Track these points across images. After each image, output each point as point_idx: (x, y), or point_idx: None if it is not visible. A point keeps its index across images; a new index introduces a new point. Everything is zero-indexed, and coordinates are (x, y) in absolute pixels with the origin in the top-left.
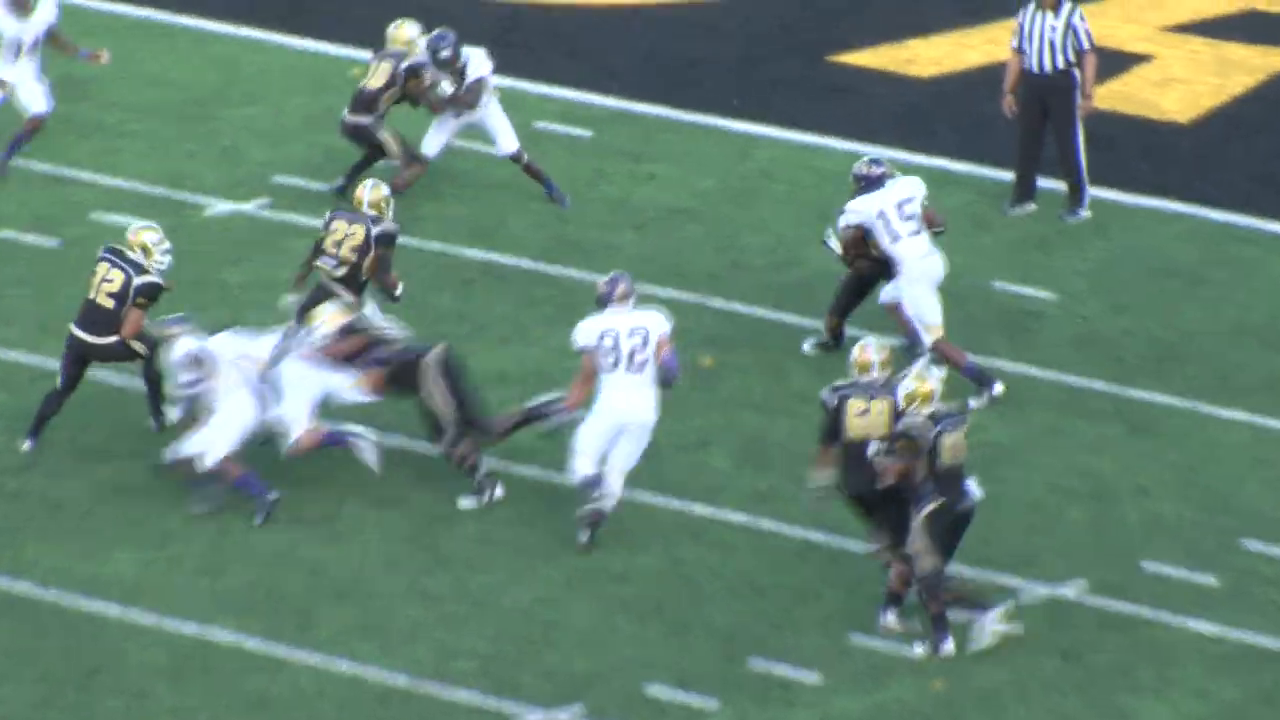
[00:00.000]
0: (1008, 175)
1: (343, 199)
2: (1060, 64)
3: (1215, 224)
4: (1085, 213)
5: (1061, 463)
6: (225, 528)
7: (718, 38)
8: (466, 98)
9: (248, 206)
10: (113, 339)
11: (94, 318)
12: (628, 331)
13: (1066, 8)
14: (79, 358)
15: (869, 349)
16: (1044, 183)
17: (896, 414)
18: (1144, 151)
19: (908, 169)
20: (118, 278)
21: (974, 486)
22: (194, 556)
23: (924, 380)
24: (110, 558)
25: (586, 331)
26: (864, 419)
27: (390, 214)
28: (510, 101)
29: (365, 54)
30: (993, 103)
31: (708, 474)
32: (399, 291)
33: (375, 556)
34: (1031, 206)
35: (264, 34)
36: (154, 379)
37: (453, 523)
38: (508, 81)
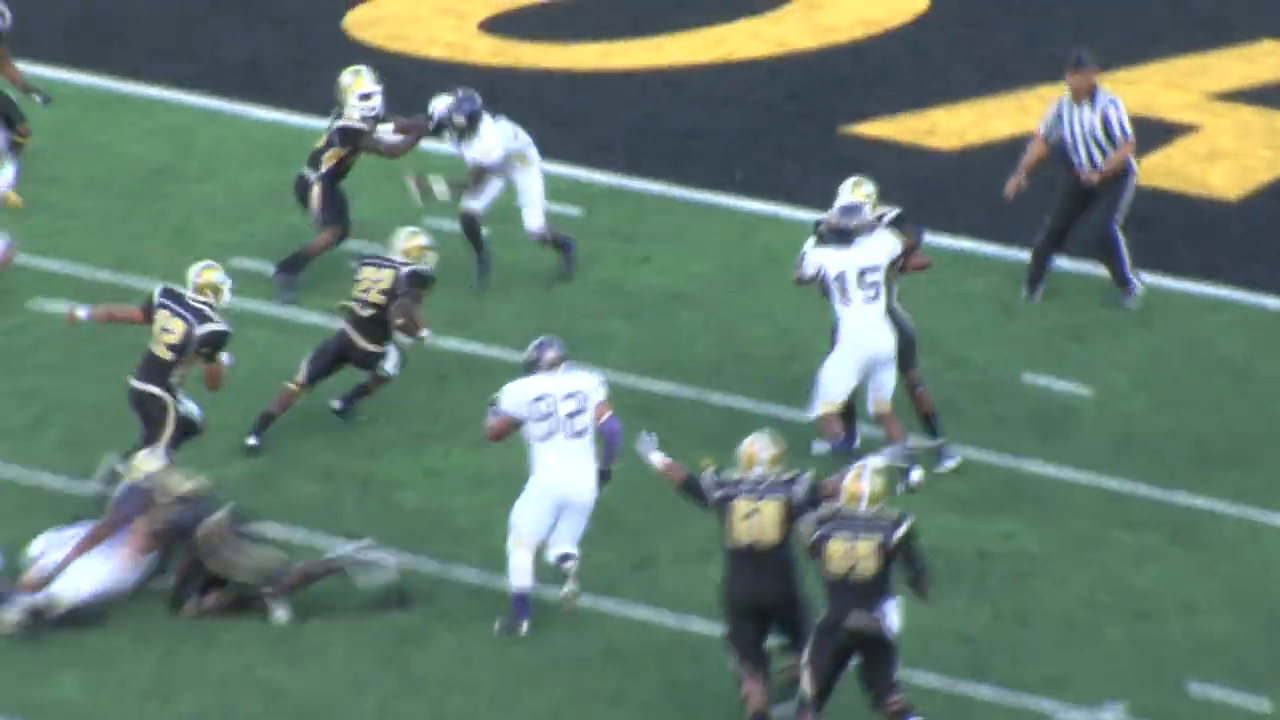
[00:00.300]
0: None
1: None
2: (1110, 155)
3: (1269, 311)
4: (1139, 288)
5: (1099, 575)
6: (175, 648)
7: (719, 106)
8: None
9: None
10: (155, 389)
11: (148, 366)
12: (563, 395)
13: (1102, 98)
14: (135, 408)
15: (756, 444)
16: (1081, 267)
17: (791, 513)
18: (1189, 232)
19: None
20: (177, 327)
21: (891, 610)
22: (142, 679)
23: (856, 478)
24: (52, 680)
25: (516, 395)
26: (751, 522)
27: (428, 263)
28: None
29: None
30: None
31: (709, 588)
32: (425, 333)
33: (341, 678)
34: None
35: (220, 103)
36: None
37: (426, 641)
38: None
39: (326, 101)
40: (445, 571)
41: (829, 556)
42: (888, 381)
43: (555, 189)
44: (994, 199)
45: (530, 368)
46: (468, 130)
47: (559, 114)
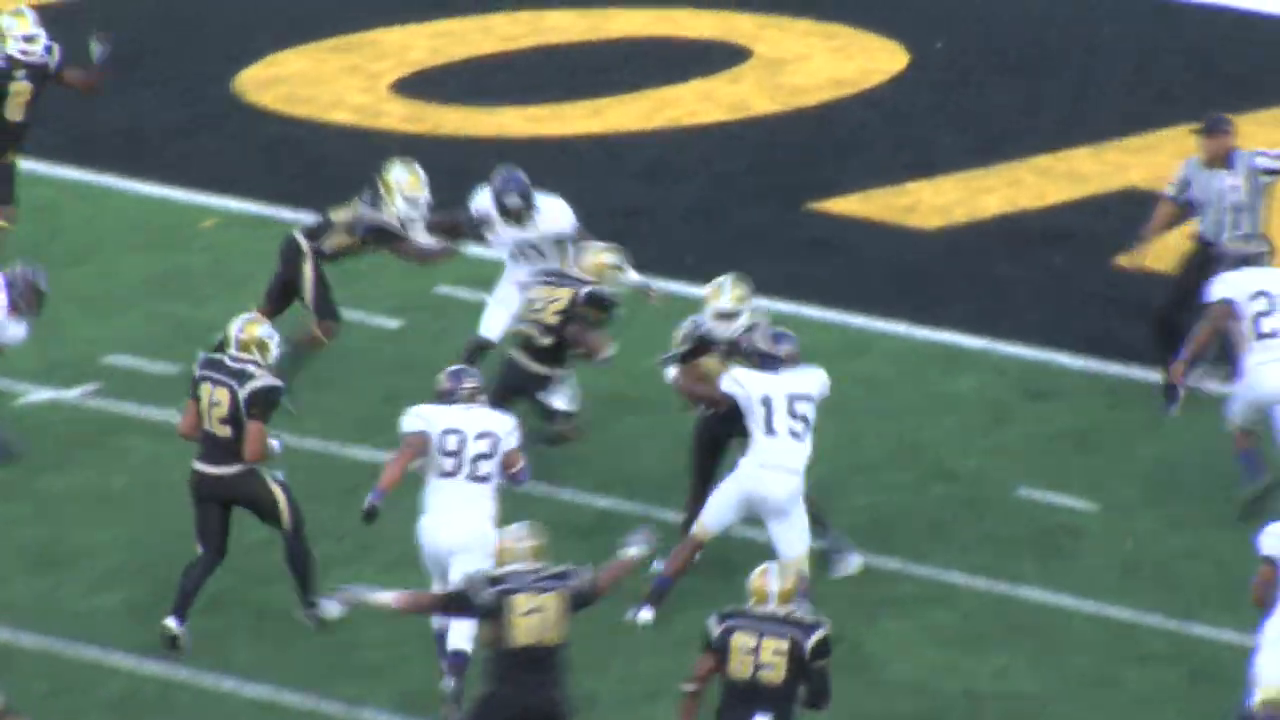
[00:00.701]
0: (1033, 353)
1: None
2: (1246, 230)
3: None
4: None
5: (1107, 719)
6: None
7: (667, 179)
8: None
9: (71, 394)
10: (238, 467)
11: (213, 447)
12: (475, 434)
13: (1242, 158)
14: (208, 498)
15: (511, 535)
16: (1083, 364)
17: (572, 608)
18: None
19: (907, 344)
20: (223, 398)
21: None
22: None
23: (763, 574)
24: None
25: (423, 417)
26: (533, 620)
27: (617, 281)
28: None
29: (220, 200)
30: (1014, 261)
31: None
32: (607, 354)
33: None
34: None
35: (93, 176)
36: (300, 556)
37: None
38: None
39: (215, 174)
40: (352, 715)
41: (732, 653)
42: (790, 538)
43: (479, 274)
44: (984, 285)
45: (444, 398)
46: (526, 209)
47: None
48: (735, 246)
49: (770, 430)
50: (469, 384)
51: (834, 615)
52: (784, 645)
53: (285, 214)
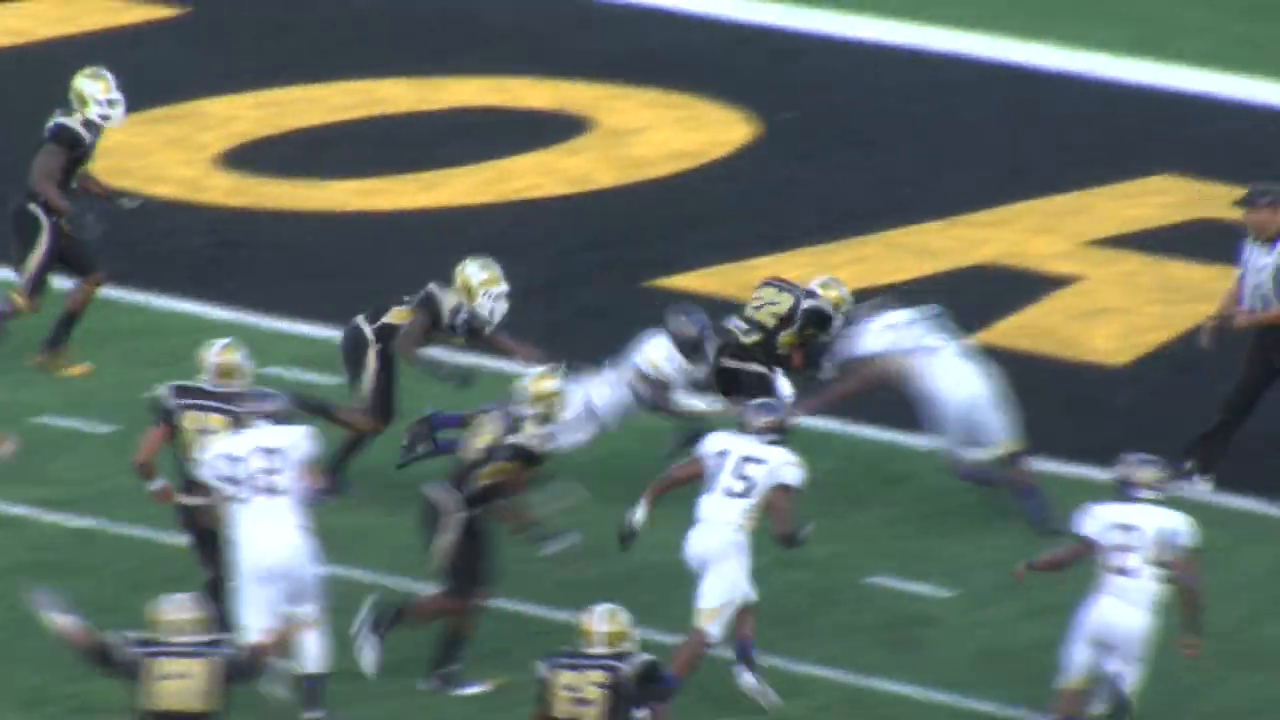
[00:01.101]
0: (888, 435)
1: None
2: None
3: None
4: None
5: None
6: None
7: (505, 256)
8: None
9: None
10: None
11: (195, 479)
12: (249, 450)
13: None
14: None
15: (168, 605)
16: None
17: (224, 678)
18: (1067, 404)
19: None
20: (220, 425)
21: None
22: None
23: (589, 615)
24: None
25: (213, 453)
26: (176, 684)
27: (852, 322)
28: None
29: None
30: None
31: None
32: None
33: None
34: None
35: None
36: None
37: None
38: (227, 314)
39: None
40: None
41: (553, 691)
42: (706, 588)
43: (307, 354)
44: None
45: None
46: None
47: (312, 264)
48: (576, 325)
49: (711, 488)
50: (266, 405)
51: (679, 707)
52: (603, 676)
53: (105, 292)
